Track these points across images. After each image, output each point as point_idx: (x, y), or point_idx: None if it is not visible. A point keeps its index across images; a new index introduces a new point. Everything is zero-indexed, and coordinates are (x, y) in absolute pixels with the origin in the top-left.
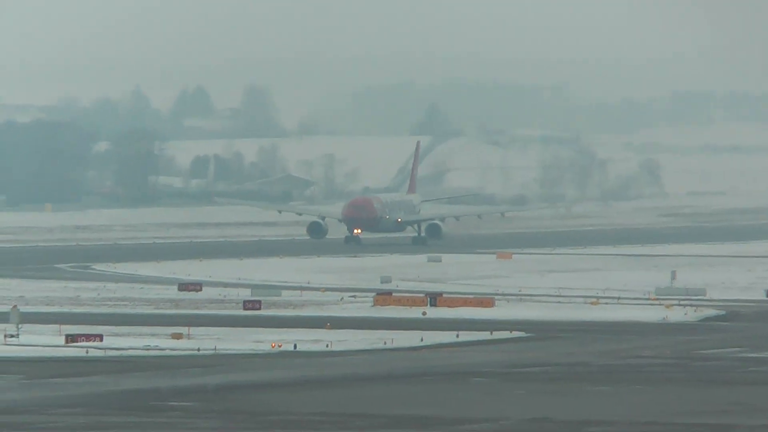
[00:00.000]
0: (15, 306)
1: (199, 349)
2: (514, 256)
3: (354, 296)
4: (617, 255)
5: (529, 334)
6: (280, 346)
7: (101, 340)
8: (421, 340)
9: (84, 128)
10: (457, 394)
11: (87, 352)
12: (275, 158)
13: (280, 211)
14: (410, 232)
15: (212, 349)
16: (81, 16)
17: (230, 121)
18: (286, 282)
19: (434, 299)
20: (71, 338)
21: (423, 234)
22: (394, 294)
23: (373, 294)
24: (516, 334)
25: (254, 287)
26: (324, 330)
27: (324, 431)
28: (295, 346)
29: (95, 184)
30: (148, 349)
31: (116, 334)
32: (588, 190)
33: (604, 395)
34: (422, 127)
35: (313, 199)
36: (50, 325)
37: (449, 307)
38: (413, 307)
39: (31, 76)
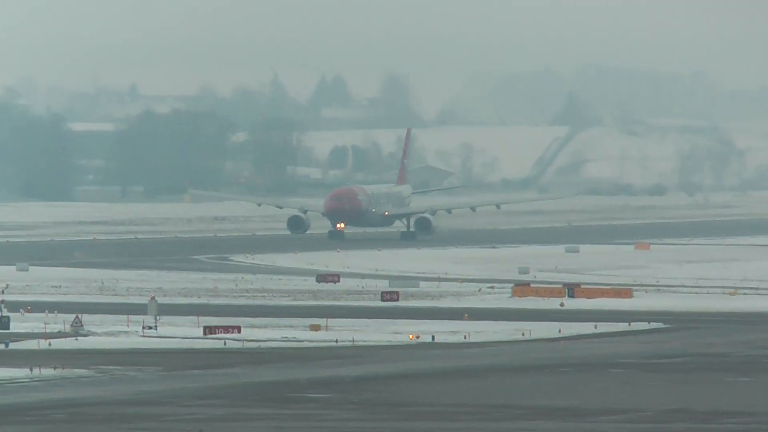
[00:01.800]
0: (153, 297)
1: (337, 341)
2: (651, 246)
3: (492, 287)
4: (756, 245)
5: (667, 325)
6: (418, 338)
7: (239, 331)
8: (559, 331)
9: (222, 118)
10: (595, 386)
11: (225, 344)
12: (413, 148)
13: (259, 204)
14: (400, 227)
15: (350, 341)
16: (218, 4)
17: (368, 110)
18: (423, 273)
19: (572, 290)
20: (209, 330)
21: (412, 228)
22: (531, 285)
23: (511, 285)
24: (654, 325)
25: (392, 278)
26: (462, 321)
27: (462, 422)
28: (433, 338)
29: (233, 174)
30: (286, 341)
31: (254, 326)
32: (726, 180)
33: (743, 386)
34: (560, 116)
35: (451, 190)
36: (188, 317)
37: (587, 297)
38: (551, 298)
39: (169, 65)
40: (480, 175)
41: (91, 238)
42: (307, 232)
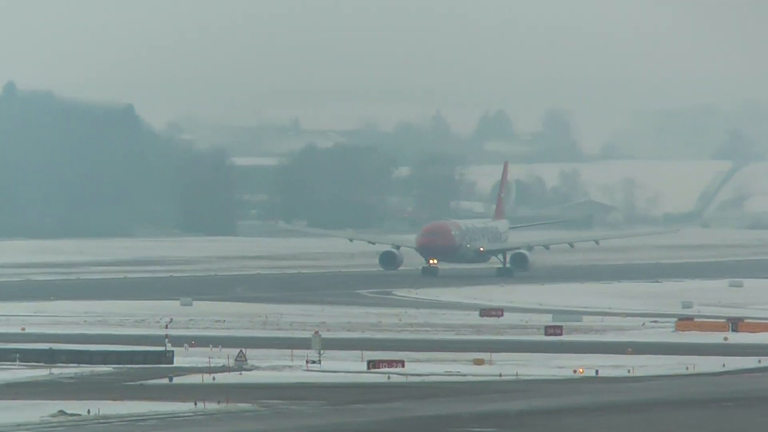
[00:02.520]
0: (317, 332)
1: (500, 375)
2: None
3: (655, 321)
4: None
5: None
6: (581, 372)
7: (403, 365)
8: (723, 365)
9: (384, 153)
10: (759, 420)
11: (389, 378)
12: (576, 183)
13: (351, 240)
14: (495, 263)
15: (514, 375)
16: (381, 40)
17: (531, 145)
18: (586, 307)
19: (736, 324)
20: (373, 364)
21: (508, 264)
22: (695, 319)
23: (675, 319)
24: None
25: (555, 312)
26: (625, 355)
27: None
28: (596, 372)
29: (396, 209)
30: (449, 375)
31: (418, 360)
32: None
33: None
34: (723, 151)
35: (614, 225)
36: (352, 351)
37: (751, 332)
38: (714, 332)
39: (332, 100)
40: (643, 209)
41: (255, 272)
42: (400, 268)
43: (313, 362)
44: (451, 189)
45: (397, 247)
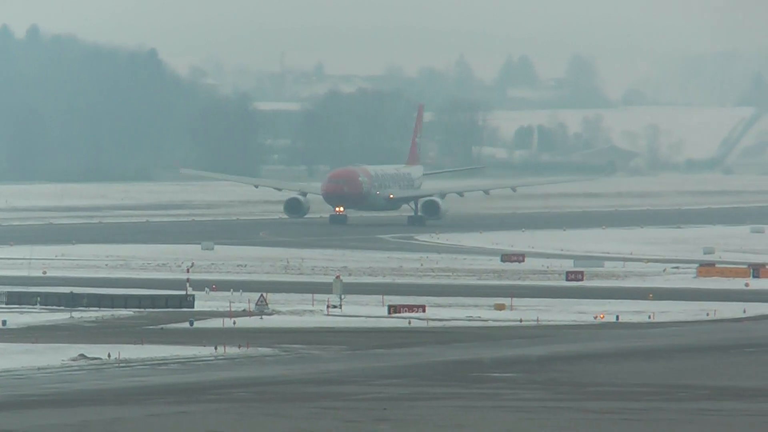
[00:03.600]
0: (338, 276)
1: (521, 320)
2: None
3: (677, 267)
4: None
5: None
6: (602, 317)
7: (424, 310)
8: (744, 311)
9: (408, 98)
10: None
11: (410, 323)
12: (599, 129)
13: (256, 186)
14: (407, 211)
15: (535, 320)
16: None
17: (554, 91)
18: (608, 253)
19: (757, 270)
20: (394, 309)
21: (420, 213)
22: (717, 265)
23: (696, 265)
24: None
25: (577, 258)
26: (646, 301)
27: (646, 402)
28: (617, 317)
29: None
30: (470, 320)
31: (439, 305)
32: None
33: None
34: (747, 97)
35: (637, 171)
36: (373, 296)
37: None
38: (736, 278)
39: (355, 46)
40: (666, 156)
41: (277, 217)
42: (306, 216)
43: (334, 307)
44: (474, 135)
45: (304, 194)
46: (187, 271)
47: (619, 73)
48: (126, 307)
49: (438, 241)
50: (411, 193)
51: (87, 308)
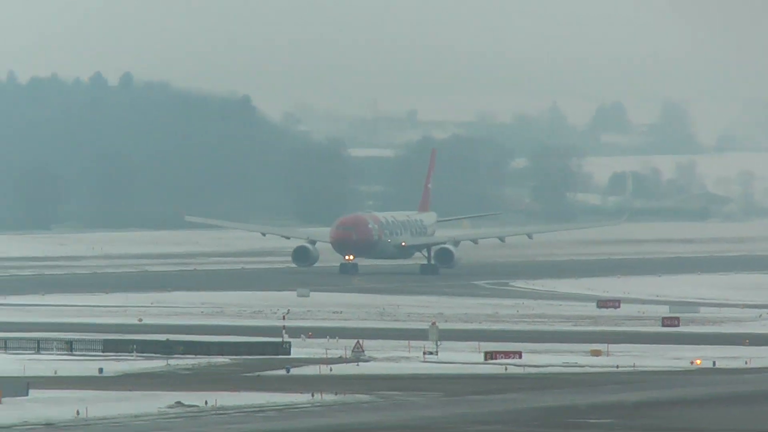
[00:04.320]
0: (434, 323)
1: (617, 366)
2: None
3: None
4: None
5: None
6: (698, 363)
7: (520, 356)
8: None
9: (501, 144)
10: None
11: (506, 369)
12: (693, 175)
13: (264, 234)
14: (420, 259)
15: (631, 366)
16: (496, 33)
17: (647, 136)
18: (703, 298)
19: None
20: (490, 355)
21: (433, 261)
22: None
23: None
24: None
25: (672, 304)
26: (743, 346)
27: None
28: (713, 363)
29: (512, 200)
30: (566, 366)
31: (535, 351)
32: None
33: None
34: None
35: (731, 217)
36: (469, 342)
37: None
38: None
39: (448, 91)
40: (761, 201)
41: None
42: (316, 264)
43: (430, 353)
44: (567, 181)
45: (313, 243)
46: (283, 317)
47: (711, 117)
48: (222, 355)
49: (533, 287)
50: (423, 241)
51: (183, 356)
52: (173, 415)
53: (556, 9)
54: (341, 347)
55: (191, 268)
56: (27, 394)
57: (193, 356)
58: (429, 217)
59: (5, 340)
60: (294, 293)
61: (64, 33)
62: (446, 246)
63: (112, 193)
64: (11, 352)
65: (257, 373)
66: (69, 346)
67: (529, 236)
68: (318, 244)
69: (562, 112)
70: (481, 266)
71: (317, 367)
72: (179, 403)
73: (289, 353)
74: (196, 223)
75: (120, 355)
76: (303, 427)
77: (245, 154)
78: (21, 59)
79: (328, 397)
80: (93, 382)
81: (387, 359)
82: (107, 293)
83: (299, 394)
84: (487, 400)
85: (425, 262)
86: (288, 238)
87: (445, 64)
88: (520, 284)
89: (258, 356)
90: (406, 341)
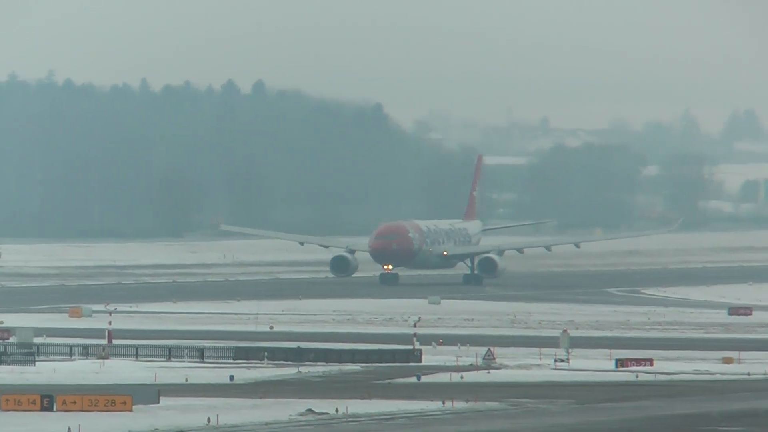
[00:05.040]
0: (565, 330)
1: (749, 374)
2: None
3: None
4: None
5: None
6: None
7: (652, 364)
8: None
9: (634, 152)
10: None
11: (637, 377)
12: None
13: (301, 243)
14: (464, 269)
15: (763, 374)
16: (624, 39)
17: None
18: None
19: None
20: (622, 362)
21: (477, 271)
22: None
23: None
24: None
25: None
26: None
27: None
28: None
29: (645, 208)
30: (698, 373)
31: (667, 359)
32: None
33: None
34: None
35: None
36: (600, 350)
37: None
38: None
39: (580, 99)
40: None
41: (323, 276)
42: (355, 275)
43: (561, 361)
44: (700, 188)
45: (352, 252)
46: (414, 325)
47: None
48: (353, 362)
49: (665, 295)
50: (466, 250)
51: (314, 363)
52: (304, 423)
53: (690, 16)
54: (472, 355)
55: (322, 275)
56: (158, 402)
57: (324, 363)
58: (474, 226)
59: (137, 347)
60: (425, 301)
61: (197, 41)
62: (490, 255)
63: (245, 201)
64: (143, 359)
65: (388, 381)
66: (200, 354)
67: (577, 246)
68: (357, 254)
69: (694, 119)
70: (527, 276)
71: (448, 374)
72: (310, 411)
73: (420, 361)
74: (232, 232)
75: (251, 363)
76: None
77: (377, 162)
78: (154, 67)
79: (459, 405)
80: (224, 389)
81: (518, 367)
82: (239, 301)
83: (430, 402)
84: (619, 408)
85: (468, 272)
86: (327, 247)
87: (578, 71)
88: (651, 291)
89: (389, 363)
90: (538, 349)
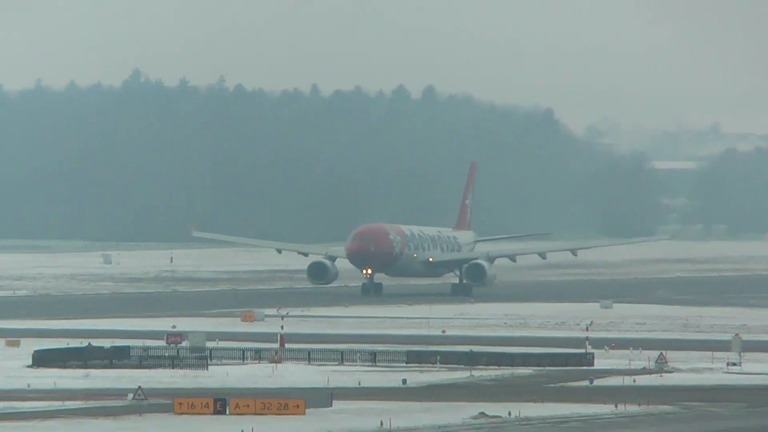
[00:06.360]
0: (737, 334)
1: None
2: None
3: None
4: None
5: None
6: None
7: None
8: None
9: None
10: None
11: None
12: None
13: (279, 251)
14: (451, 278)
15: None
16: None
17: None
18: None
19: None
20: None
21: (465, 279)
22: None
23: None
24: None
25: None
26: None
27: None
28: None
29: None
30: None
31: None
32: None
33: None
34: None
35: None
36: None
37: None
38: None
39: (752, 104)
40: None
41: (675, 275)
42: (334, 283)
43: (734, 364)
44: None
45: (332, 259)
46: (587, 329)
47: None
48: (525, 366)
49: None
50: (453, 257)
51: (486, 366)
52: (477, 426)
53: None
54: (644, 358)
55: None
56: (331, 405)
57: (497, 367)
58: (465, 236)
59: (309, 351)
60: (597, 304)
61: (367, 47)
62: (478, 261)
63: (413, 206)
64: (315, 363)
65: (561, 384)
66: (373, 358)
67: (574, 253)
68: (338, 261)
69: None
70: (519, 285)
71: (621, 378)
72: (483, 414)
73: (592, 364)
74: (205, 238)
75: (423, 366)
76: None
77: (547, 168)
78: (323, 73)
79: (632, 408)
80: (396, 393)
81: (690, 370)
82: (410, 306)
83: (603, 405)
84: None
85: (456, 281)
86: (306, 255)
87: (749, 77)
88: None
89: (561, 367)
90: (710, 352)
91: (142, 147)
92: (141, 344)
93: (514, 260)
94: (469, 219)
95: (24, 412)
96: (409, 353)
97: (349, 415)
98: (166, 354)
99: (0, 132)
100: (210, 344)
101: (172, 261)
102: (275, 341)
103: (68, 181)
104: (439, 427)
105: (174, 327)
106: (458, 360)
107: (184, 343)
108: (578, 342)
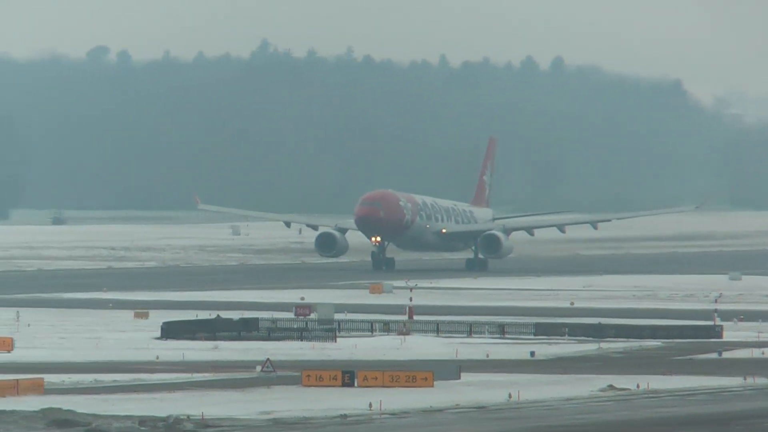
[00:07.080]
0: None
1: None
2: None
3: None
4: None
5: None
6: None
7: None
8: None
9: None
10: None
11: None
12: None
13: (288, 224)
14: (468, 253)
15: None
16: None
17: None
18: None
19: None
20: None
21: (480, 254)
22: None
23: None
24: None
25: None
26: None
27: None
28: None
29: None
30: None
31: None
32: None
33: None
34: None
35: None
36: None
37: None
38: None
39: None
40: None
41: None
42: (342, 256)
43: None
44: None
45: (343, 231)
46: (716, 301)
47: None
48: (653, 338)
49: None
50: (467, 228)
51: (614, 339)
52: (605, 399)
53: None
54: None
55: (622, 252)
56: (459, 377)
57: (625, 339)
58: (482, 213)
59: (437, 323)
60: (726, 276)
61: (496, 18)
62: (493, 232)
63: (544, 178)
64: (444, 335)
65: (689, 357)
66: (501, 330)
67: (594, 226)
68: (349, 233)
69: None
70: (535, 260)
71: (749, 350)
72: (611, 387)
73: (720, 336)
74: (210, 211)
75: (552, 339)
76: (734, 410)
77: (675, 139)
78: (452, 43)
79: (761, 381)
80: (525, 365)
81: None
82: (538, 276)
83: (731, 378)
84: None
85: (471, 256)
86: (315, 227)
87: None
88: None
89: (689, 339)
90: None
91: (269, 118)
92: (269, 316)
93: (531, 233)
94: (487, 195)
95: (152, 384)
96: (537, 325)
97: (477, 388)
98: (295, 326)
99: (129, 103)
100: (338, 316)
101: (300, 233)
102: (403, 313)
103: (195, 153)
104: (567, 399)
105: (302, 299)
106: (586, 332)
107: (313, 315)
108: (706, 314)
